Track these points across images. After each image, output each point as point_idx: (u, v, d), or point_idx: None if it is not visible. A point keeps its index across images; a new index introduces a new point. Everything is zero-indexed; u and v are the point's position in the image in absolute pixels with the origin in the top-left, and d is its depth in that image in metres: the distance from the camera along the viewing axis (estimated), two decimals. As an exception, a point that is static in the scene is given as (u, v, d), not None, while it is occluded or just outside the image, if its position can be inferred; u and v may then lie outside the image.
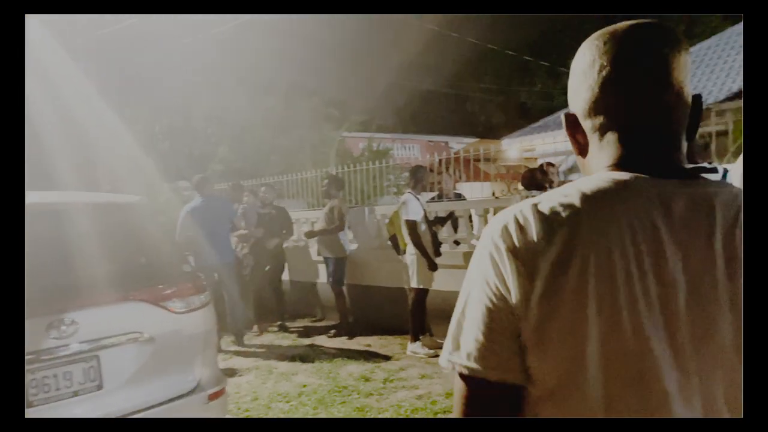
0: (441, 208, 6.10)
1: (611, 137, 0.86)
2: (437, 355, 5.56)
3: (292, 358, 5.67)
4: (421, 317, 5.63)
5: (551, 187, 4.82)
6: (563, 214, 0.80)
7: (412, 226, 5.37)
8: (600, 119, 0.86)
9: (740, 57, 12.75)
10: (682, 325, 0.80)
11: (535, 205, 0.82)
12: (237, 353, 6.04)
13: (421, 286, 5.50)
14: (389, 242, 6.02)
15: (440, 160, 7.57)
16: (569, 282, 0.77)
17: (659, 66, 0.83)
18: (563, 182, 5.27)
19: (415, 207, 5.43)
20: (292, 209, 8.01)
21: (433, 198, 6.52)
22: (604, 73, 0.84)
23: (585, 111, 0.88)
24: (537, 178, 4.83)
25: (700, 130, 4.12)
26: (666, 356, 0.78)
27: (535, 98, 28.00)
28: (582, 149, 0.91)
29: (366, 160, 7.63)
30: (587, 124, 0.88)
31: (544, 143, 6.40)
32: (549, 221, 0.80)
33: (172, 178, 10.10)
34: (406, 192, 5.68)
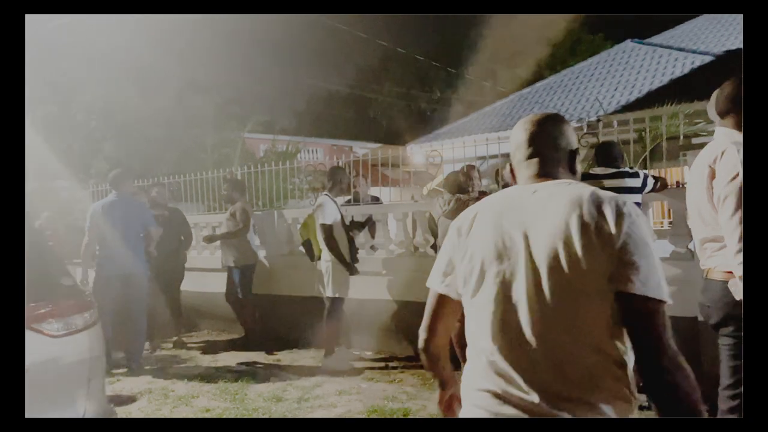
0: (358, 212, 5.79)
1: (519, 169, 1.48)
2: (354, 369, 5.27)
3: (192, 379, 5.07)
4: (336, 328, 5.27)
5: (473, 189, 4.68)
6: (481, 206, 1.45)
7: (328, 230, 5.01)
8: (516, 161, 1.49)
9: (626, 72, 13.69)
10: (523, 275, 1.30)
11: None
12: (126, 374, 5.31)
13: (337, 295, 5.15)
14: (302, 248, 5.61)
15: (345, 164, 7.26)
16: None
17: (538, 132, 1.45)
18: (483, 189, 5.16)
19: (331, 210, 5.07)
20: (190, 213, 7.33)
21: (348, 201, 6.20)
22: (517, 141, 1.49)
23: (512, 157, 1.50)
24: (460, 181, 4.66)
25: (620, 138, 3.97)
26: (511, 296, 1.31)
27: (435, 105, 28.58)
28: (515, 179, 1.50)
29: (270, 161, 7.12)
30: (514, 163, 1.49)
31: (453, 147, 6.30)
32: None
33: (46, 177, 8.93)
34: (322, 194, 5.31)
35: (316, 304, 5.52)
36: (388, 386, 4.69)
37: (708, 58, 12.59)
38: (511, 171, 1.50)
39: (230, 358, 5.79)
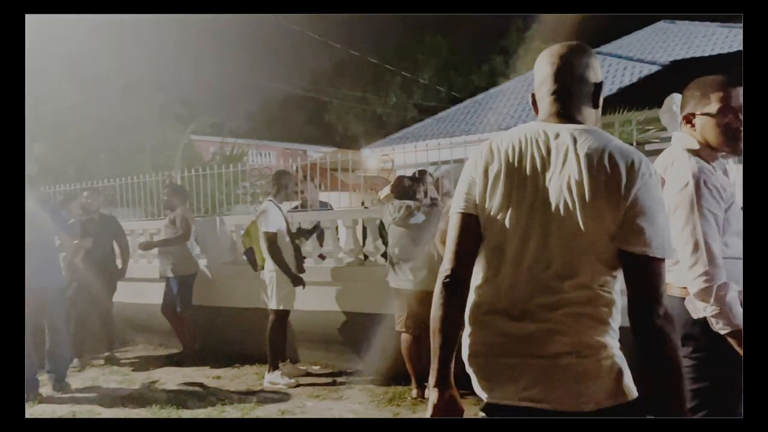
0: (305, 219, 5.49)
1: (542, 103, 1.48)
2: (299, 385, 4.97)
3: (122, 401, 4.65)
4: (280, 342, 4.95)
5: (425, 195, 4.47)
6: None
7: (272, 238, 4.69)
8: (540, 94, 1.49)
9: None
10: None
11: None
12: (50, 395, 4.83)
13: (281, 307, 4.83)
14: (245, 257, 5.26)
15: (297, 168, 6.96)
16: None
17: (564, 66, 1.43)
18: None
19: (275, 217, 4.76)
20: (126, 219, 6.86)
21: (295, 207, 5.89)
22: (542, 75, 1.48)
23: (536, 90, 1.50)
24: (405, 186, 4.43)
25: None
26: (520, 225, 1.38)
27: (390, 110, 28.49)
28: (537, 110, 1.51)
29: (218, 164, 6.73)
30: (538, 96, 1.50)
31: (405, 152, 6.07)
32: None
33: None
34: (266, 200, 4.99)
35: (260, 317, 5.19)
36: (334, 404, 4.41)
37: (655, 68, 12.87)
38: (534, 103, 1.52)
39: (165, 376, 5.37)
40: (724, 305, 1.72)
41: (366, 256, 5.22)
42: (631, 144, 4.82)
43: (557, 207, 1.32)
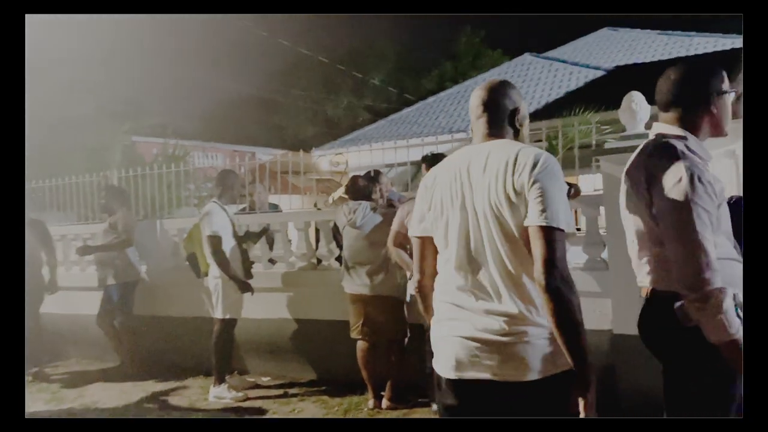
0: (253, 222, 5.19)
1: (474, 128, 1.79)
2: (248, 398, 4.67)
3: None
4: (227, 353, 4.63)
5: (382, 196, 4.27)
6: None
7: (216, 242, 4.38)
8: (472, 122, 1.79)
9: (526, 84, 14.04)
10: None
11: None
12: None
13: (228, 316, 4.52)
14: (187, 262, 4.92)
15: (245, 170, 6.65)
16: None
17: (479, 98, 1.75)
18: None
19: (220, 220, 4.45)
20: (57, 223, 6.35)
21: (243, 209, 5.57)
22: (471, 107, 1.78)
23: (471, 120, 1.81)
24: (360, 186, 4.23)
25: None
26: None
27: (341, 112, 28.21)
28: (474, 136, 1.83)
29: (159, 165, 6.31)
30: (472, 124, 1.80)
31: (360, 152, 5.89)
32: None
33: None
34: (210, 201, 4.67)
35: (205, 326, 4.86)
36: (286, 418, 4.15)
37: (600, 73, 13.18)
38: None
39: (100, 393, 4.95)
40: (721, 312, 1.57)
41: (319, 260, 4.98)
42: (591, 144, 4.74)
43: (486, 211, 1.61)
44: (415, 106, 15.45)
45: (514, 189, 1.55)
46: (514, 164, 1.57)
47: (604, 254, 3.83)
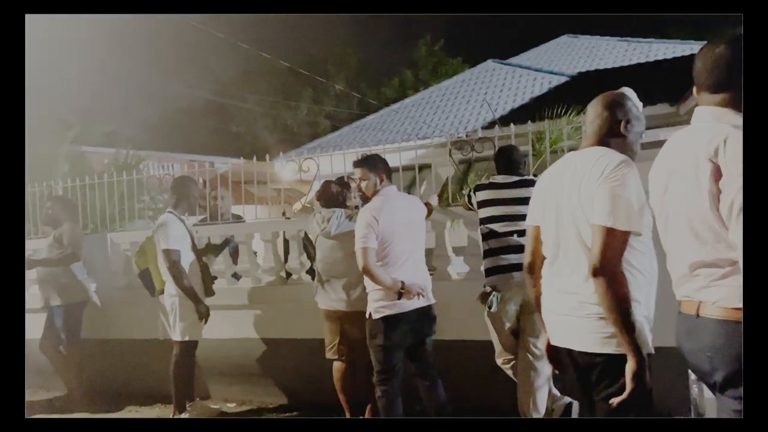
0: (214, 233, 4.76)
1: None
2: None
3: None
4: (187, 379, 4.18)
5: (357, 201, 3.94)
6: None
7: (173, 257, 3.95)
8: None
9: (490, 90, 13.98)
10: None
11: None
12: None
13: (187, 338, 4.09)
14: (140, 279, 4.45)
15: (204, 181, 6.20)
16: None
17: (592, 108, 2.09)
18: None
19: (177, 231, 4.02)
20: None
21: (203, 219, 5.13)
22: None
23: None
24: (333, 192, 3.89)
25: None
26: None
27: (301, 121, 27.76)
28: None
29: (109, 175, 5.79)
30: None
31: (331, 159, 5.49)
32: None
33: None
34: (165, 212, 4.23)
35: (162, 349, 4.40)
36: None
37: (563, 79, 13.22)
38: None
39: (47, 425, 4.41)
40: None
41: (289, 274, 4.60)
42: (563, 149, 4.51)
43: (573, 210, 1.95)
44: (378, 113, 15.18)
45: (591, 193, 1.85)
46: (592, 170, 1.87)
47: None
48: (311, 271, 4.36)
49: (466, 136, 5.95)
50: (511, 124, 4.09)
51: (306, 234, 4.35)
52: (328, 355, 3.77)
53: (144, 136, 19.56)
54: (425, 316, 3.31)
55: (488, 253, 3.40)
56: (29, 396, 5.27)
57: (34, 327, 4.91)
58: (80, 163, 13.38)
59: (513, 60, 15.79)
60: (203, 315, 4.02)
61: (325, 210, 3.83)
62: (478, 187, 3.55)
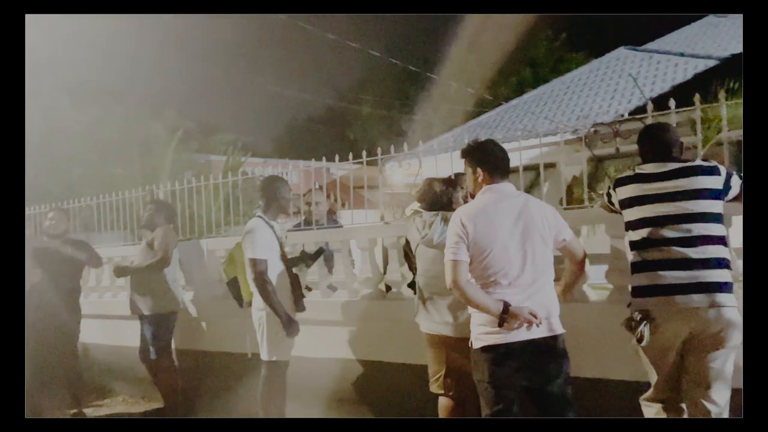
0: (308, 240, 4.29)
1: None
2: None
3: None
4: (277, 403, 3.72)
5: (464, 200, 3.25)
6: None
7: (259, 267, 3.51)
8: None
9: (622, 80, 12.55)
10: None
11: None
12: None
13: (274, 358, 3.63)
14: (229, 289, 4.09)
15: (319, 186, 5.83)
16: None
17: None
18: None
19: (265, 239, 3.58)
20: (106, 244, 5.79)
21: (297, 225, 4.71)
22: None
23: None
24: (437, 192, 3.23)
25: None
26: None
27: (414, 126, 27.41)
28: None
29: (214, 177, 5.59)
30: None
31: (438, 156, 4.84)
32: None
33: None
34: (254, 216, 3.82)
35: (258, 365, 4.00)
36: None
37: (712, 62, 11.51)
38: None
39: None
40: None
41: (389, 287, 4.01)
42: (720, 142, 3.51)
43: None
44: (495, 110, 14.30)
45: None
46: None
47: None
48: (413, 285, 3.74)
49: (594, 131, 5.03)
50: (671, 101, 3.16)
51: (407, 241, 3.74)
52: (433, 388, 3.12)
53: (264, 144, 20.16)
54: (546, 350, 2.50)
55: (638, 267, 2.54)
56: (131, 407, 5.20)
57: (129, 334, 4.80)
58: (205, 170, 13.96)
59: (649, 45, 14.16)
60: (292, 333, 3.54)
61: (426, 213, 3.19)
62: (620, 182, 2.68)
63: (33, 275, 4.10)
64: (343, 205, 7.59)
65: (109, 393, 5.55)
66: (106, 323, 5.46)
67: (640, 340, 2.45)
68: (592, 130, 3.85)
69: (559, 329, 2.54)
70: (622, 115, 4.29)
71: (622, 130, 3.26)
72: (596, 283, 3.30)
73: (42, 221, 4.89)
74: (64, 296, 4.65)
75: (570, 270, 2.78)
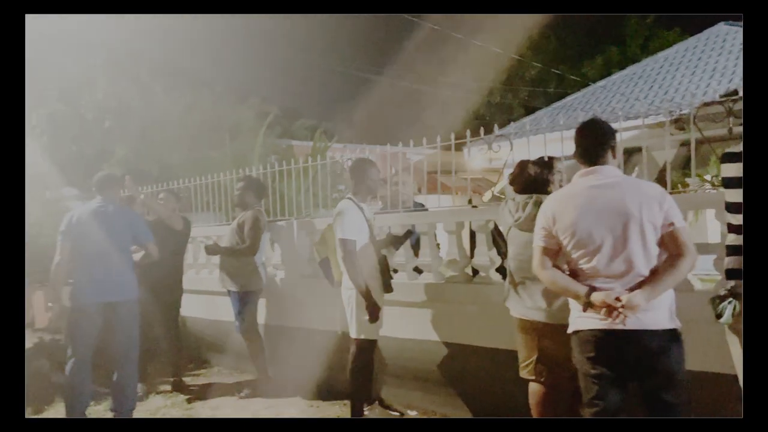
0: (396, 222, 4.35)
1: None
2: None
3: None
4: (365, 380, 3.84)
5: (560, 185, 3.17)
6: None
7: (348, 247, 3.60)
8: None
9: (723, 58, 11.69)
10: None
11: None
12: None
13: (363, 336, 3.72)
14: (321, 268, 4.23)
15: (396, 171, 5.85)
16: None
17: None
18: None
19: (354, 220, 3.67)
20: (202, 224, 6.13)
21: (383, 208, 4.78)
22: None
23: None
24: (532, 174, 3.17)
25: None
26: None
27: (493, 111, 26.80)
28: None
29: (305, 161, 5.75)
30: None
31: (513, 148, 4.71)
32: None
33: (53, 183, 8.00)
34: (344, 198, 3.91)
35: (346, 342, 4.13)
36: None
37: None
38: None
39: (232, 410, 4.48)
40: None
41: (476, 271, 3.99)
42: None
43: None
44: (581, 91, 13.73)
45: None
46: None
47: None
48: (501, 269, 3.70)
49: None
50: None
51: (495, 225, 3.70)
52: (523, 374, 3.09)
53: (345, 129, 20.45)
54: (636, 343, 2.33)
55: (734, 250, 2.33)
56: (225, 377, 5.50)
57: (224, 309, 5.07)
58: (288, 155, 14.39)
59: (753, 20, 13.04)
60: (372, 317, 3.60)
61: (519, 196, 3.14)
62: (727, 158, 2.46)
63: (152, 250, 4.34)
64: (419, 189, 7.58)
65: (206, 363, 5.92)
66: (202, 298, 5.79)
67: (719, 316, 2.28)
68: (697, 111, 3.61)
69: (654, 325, 2.34)
70: (736, 92, 4.00)
71: (735, 109, 3.04)
72: (702, 274, 3.12)
73: (151, 201, 5.20)
74: (170, 271, 4.96)
75: (666, 264, 2.35)
